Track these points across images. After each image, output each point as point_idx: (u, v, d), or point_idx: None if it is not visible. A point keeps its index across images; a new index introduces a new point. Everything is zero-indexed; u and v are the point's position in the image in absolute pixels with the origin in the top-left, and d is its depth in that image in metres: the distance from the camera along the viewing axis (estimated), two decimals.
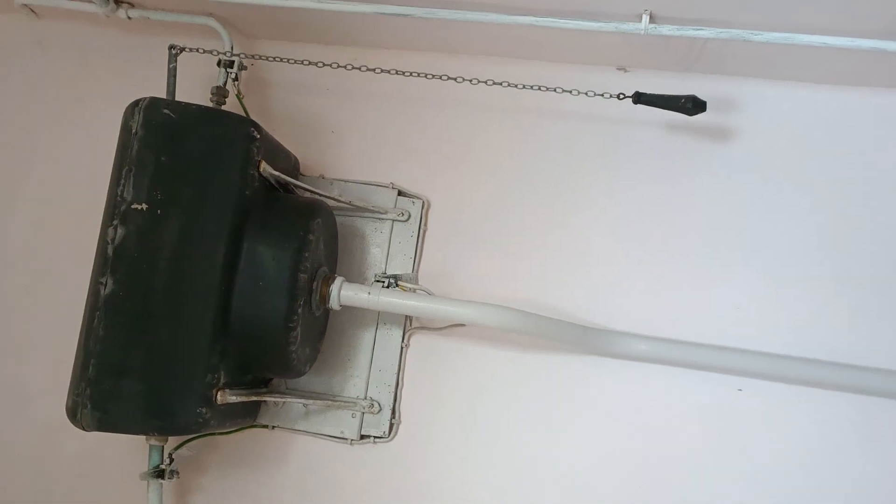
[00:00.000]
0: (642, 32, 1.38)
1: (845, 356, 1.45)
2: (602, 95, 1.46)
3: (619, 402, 1.52)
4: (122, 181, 1.32)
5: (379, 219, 1.65)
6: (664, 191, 1.59)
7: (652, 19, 1.38)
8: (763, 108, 1.58)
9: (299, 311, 1.35)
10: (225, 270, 1.31)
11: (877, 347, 1.46)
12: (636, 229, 1.58)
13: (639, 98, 1.41)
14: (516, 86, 1.49)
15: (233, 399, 1.34)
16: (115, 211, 1.31)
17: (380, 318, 1.60)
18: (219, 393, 1.31)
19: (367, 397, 1.57)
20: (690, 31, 1.37)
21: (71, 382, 1.29)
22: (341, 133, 1.72)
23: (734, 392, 1.49)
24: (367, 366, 1.59)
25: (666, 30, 1.38)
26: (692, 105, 1.37)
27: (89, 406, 1.26)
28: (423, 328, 1.60)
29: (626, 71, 1.58)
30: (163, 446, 1.46)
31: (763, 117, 1.58)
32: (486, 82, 1.50)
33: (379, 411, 1.56)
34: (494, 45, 1.62)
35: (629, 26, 1.39)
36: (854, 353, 1.46)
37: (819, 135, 1.57)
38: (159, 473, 1.44)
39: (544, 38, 1.50)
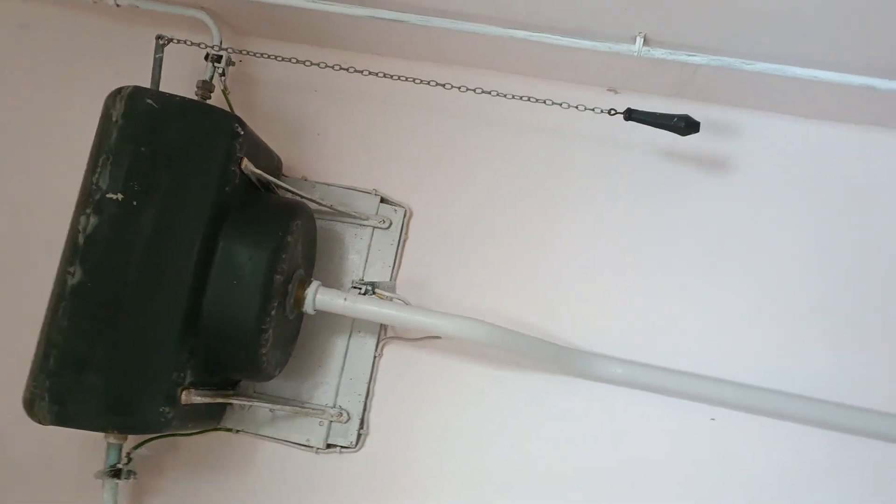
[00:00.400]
0: (635, 54, 1.38)
1: (824, 390, 1.44)
2: (593, 110, 1.45)
3: (591, 425, 1.50)
4: (99, 169, 1.28)
5: (360, 224, 1.62)
6: (650, 214, 1.58)
7: (646, 42, 1.38)
8: (752, 138, 1.58)
9: (273, 313, 1.31)
10: (199, 267, 1.28)
11: (856, 383, 1.45)
12: (620, 251, 1.57)
13: (630, 115, 1.40)
14: (505, 96, 1.48)
15: (198, 400, 1.31)
16: (88, 199, 1.27)
17: (354, 325, 1.57)
18: (184, 392, 1.28)
19: (336, 406, 1.54)
20: (683, 57, 1.37)
21: (30, 374, 1.25)
22: (327, 136, 1.70)
23: (707, 421, 1.48)
24: (338, 373, 1.56)
25: (659, 53, 1.38)
26: (685, 125, 1.36)
27: (47, 398, 1.21)
28: (397, 338, 1.57)
29: (616, 92, 1.58)
30: (121, 445, 1.41)
31: (752, 147, 1.58)
32: (474, 90, 1.49)
33: (347, 420, 1.53)
34: (487, 58, 1.61)
35: (623, 47, 1.38)
36: (833, 387, 1.45)
37: (807, 168, 1.57)
38: (116, 473, 1.40)
39: (538, 53, 1.50)
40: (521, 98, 1.49)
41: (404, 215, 1.63)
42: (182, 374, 1.28)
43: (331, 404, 1.54)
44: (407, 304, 1.48)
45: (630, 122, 1.41)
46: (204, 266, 1.29)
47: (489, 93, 1.49)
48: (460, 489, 1.50)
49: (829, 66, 1.34)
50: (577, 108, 1.47)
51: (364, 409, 1.55)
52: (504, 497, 1.49)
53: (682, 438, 1.48)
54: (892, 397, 1.44)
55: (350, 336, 1.57)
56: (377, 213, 1.62)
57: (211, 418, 1.50)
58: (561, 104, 1.47)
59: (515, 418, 1.52)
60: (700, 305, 1.53)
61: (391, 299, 1.46)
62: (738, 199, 1.57)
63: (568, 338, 1.52)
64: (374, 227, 1.62)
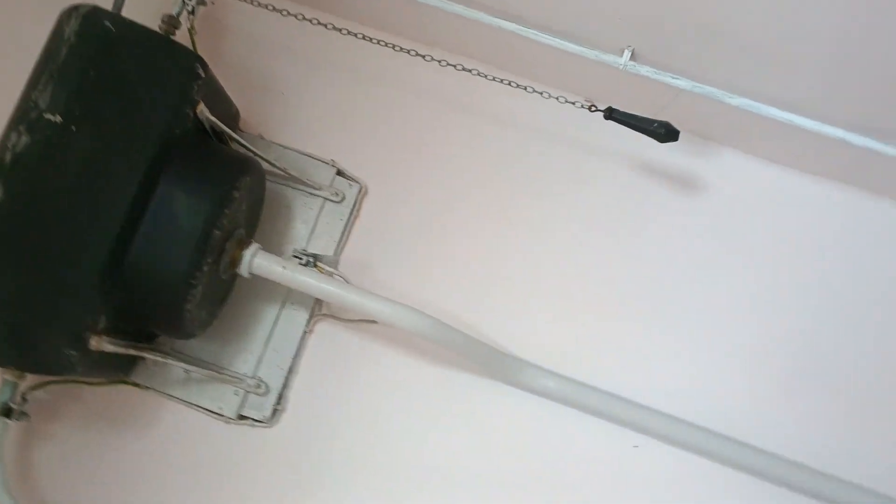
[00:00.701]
0: (621, 67, 1.35)
1: (754, 434, 1.44)
2: (573, 104, 1.41)
3: (514, 434, 1.46)
4: (40, 87, 1.17)
5: (311, 194, 1.55)
6: (612, 230, 1.56)
7: (633, 56, 1.35)
8: (719, 173, 1.58)
9: (205, 269, 1.24)
10: (132, 207, 1.19)
11: (787, 431, 1.46)
12: (574, 264, 1.54)
13: (611, 114, 1.36)
14: (486, 76, 1.43)
15: (109, 348, 1.22)
16: (24, 116, 1.16)
17: (288, 296, 1.51)
18: (94, 338, 1.19)
19: (256, 377, 1.46)
20: (668, 78, 1.35)
21: None
22: (291, 96, 1.62)
23: (630, 448, 1.46)
24: (262, 343, 1.49)
25: (644, 70, 1.35)
26: (665, 131, 1.32)
27: None
28: (331, 317, 1.51)
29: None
30: (17, 383, 1.31)
31: (718, 183, 1.57)
32: (455, 66, 1.44)
33: (265, 394, 1.46)
34: (472, 45, 1.56)
35: (609, 58, 1.35)
36: (764, 432, 1.45)
37: (767, 214, 1.57)
38: (6, 411, 1.29)
39: (524, 50, 1.45)
40: (501, 81, 1.43)
41: (359, 192, 1.57)
42: (95, 319, 1.19)
43: (250, 374, 1.46)
44: (347, 282, 1.42)
45: (608, 123, 1.37)
46: (138, 207, 1.20)
47: (469, 71, 1.43)
48: (370, 479, 1.45)
49: (808, 113, 1.33)
50: (557, 99, 1.42)
51: (284, 385, 1.48)
52: (413, 494, 1.44)
53: (603, 461, 1.45)
54: (812, 453, 1.45)
55: (282, 307, 1.50)
56: (331, 185, 1.56)
57: (120, 369, 1.41)
58: (542, 93, 1.42)
59: (440, 416, 1.47)
60: (643, 332, 1.51)
61: (332, 275, 1.39)
62: (696, 231, 1.56)
63: (506, 344, 1.49)
64: (326, 199, 1.55)
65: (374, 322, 1.47)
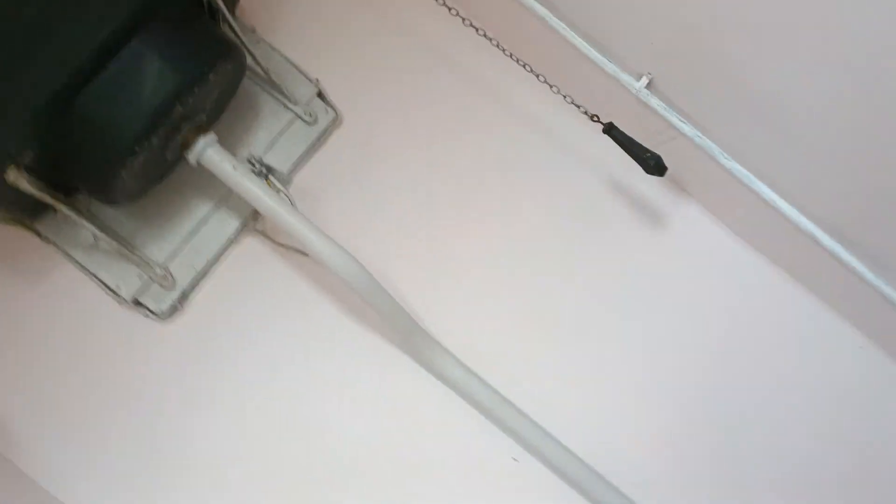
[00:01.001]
0: (634, 91, 1.32)
1: (631, 481, 1.44)
2: (578, 107, 1.37)
3: (405, 413, 1.43)
4: None
5: (284, 105, 1.47)
6: (566, 238, 1.54)
7: (649, 85, 1.33)
8: (684, 224, 1.57)
9: (154, 141, 1.15)
10: (101, 50, 1.08)
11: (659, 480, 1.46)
12: (519, 262, 1.51)
13: (610, 129, 1.33)
14: (504, 50, 1.37)
15: (25, 186, 1.12)
16: None
17: (226, 199, 1.42)
18: (14, 170, 1.09)
19: (166, 268, 1.38)
20: (674, 118, 1.33)
21: None
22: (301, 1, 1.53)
23: (509, 460, 1.45)
24: (184, 237, 1.40)
25: (655, 102, 1.33)
26: (655, 163, 1.30)
27: None
28: (264, 235, 1.43)
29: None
30: None
31: (680, 232, 1.57)
32: (477, 29, 1.38)
33: (169, 288, 1.38)
34: (496, 18, 1.49)
35: (626, 78, 1.33)
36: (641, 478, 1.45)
37: (713, 279, 1.57)
38: None
39: (545, 37, 1.39)
40: (517, 60, 1.38)
41: (333, 120, 1.50)
42: (21, 151, 1.09)
43: (162, 262, 1.38)
44: (293, 205, 1.35)
45: (602, 136, 1.35)
46: (106, 52, 1.10)
47: (490, 40, 1.37)
48: (246, 407, 1.38)
49: (791, 199, 1.34)
50: (564, 97, 1.38)
51: (192, 286, 1.40)
52: (281, 431, 1.38)
53: (478, 461, 1.43)
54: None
55: (216, 208, 1.42)
56: (308, 104, 1.48)
57: (25, 212, 1.30)
58: (552, 86, 1.38)
59: (335, 371, 1.42)
60: (557, 347, 1.49)
61: (280, 192, 1.32)
62: (637, 267, 1.55)
63: (426, 321, 1.44)
64: (298, 117, 1.48)
65: (304, 255, 1.41)
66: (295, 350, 1.42)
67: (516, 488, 1.43)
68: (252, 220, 1.44)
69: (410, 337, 1.41)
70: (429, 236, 1.50)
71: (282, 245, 1.43)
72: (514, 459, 1.45)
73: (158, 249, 1.39)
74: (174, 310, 1.39)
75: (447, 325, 1.45)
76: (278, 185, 1.34)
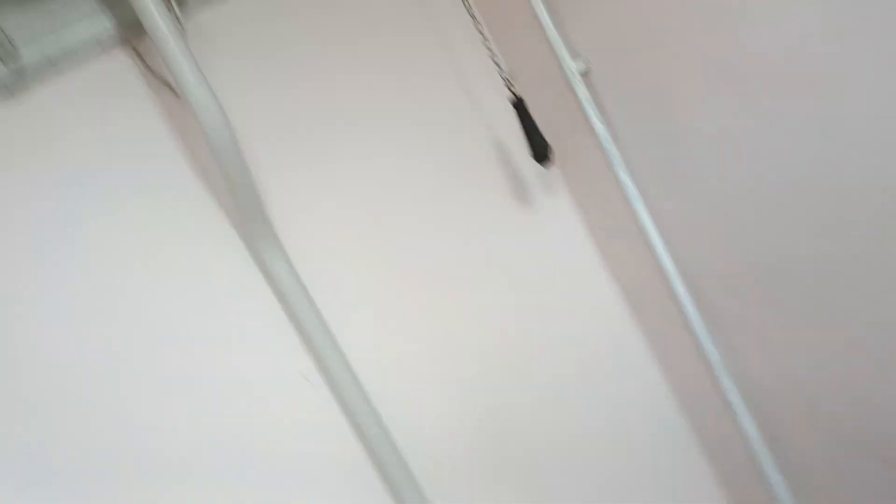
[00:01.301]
0: (569, 71, 1.32)
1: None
2: (501, 68, 1.34)
3: (213, 301, 1.34)
4: None
5: None
6: (438, 189, 1.51)
7: (586, 74, 1.33)
8: (551, 219, 1.60)
9: None
10: None
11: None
12: (391, 199, 1.48)
13: (519, 103, 1.31)
14: None
15: None
16: None
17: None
18: None
19: (12, 38, 1.19)
20: (592, 113, 1.34)
21: None
22: None
23: (298, 375, 1.39)
24: (49, 20, 1.22)
25: (581, 92, 1.33)
26: (545, 153, 1.30)
27: None
28: (136, 53, 1.28)
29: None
30: None
31: (542, 225, 1.60)
32: None
33: (8, 61, 1.19)
34: None
35: (567, 58, 1.32)
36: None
37: (564, 285, 1.63)
38: None
39: None
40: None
41: None
42: None
43: (7, 30, 1.19)
44: (187, 47, 1.20)
45: (504, 104, 1.33)
46: None
47: None
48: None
49: (665, 234, 1.40)
50: (490, 51, 1.35)
51: (35, 73, 1.21)
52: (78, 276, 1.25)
53: (271, 373, 1.37)
54: None
55: (100, 3, 1.26)
56: None
57: None
58: (484, 36, 1.34)
59: (152, 236, 1.30)
60: (401, 307, 1.49)
61: (172, 12, 1.18)
62: (498, 250, 1.56)
63: (275, 219, 1.35)
64: None
65: (176, 97, 1.27)
66: (126, 195, 1.28)
67: (293, 406, 1.39)
68: (134, 35, 1.28)
69: (251, 222, 1.32)
70: (309, 132, 1.42)
71: (153, 72, 1.28)
72: (306, 378, 1.39)
73: (13, 17, 1.20)
74: (3, 88, 1.21)
75: (293, 227, 1.38)
76: (176, 8, 1.20)
